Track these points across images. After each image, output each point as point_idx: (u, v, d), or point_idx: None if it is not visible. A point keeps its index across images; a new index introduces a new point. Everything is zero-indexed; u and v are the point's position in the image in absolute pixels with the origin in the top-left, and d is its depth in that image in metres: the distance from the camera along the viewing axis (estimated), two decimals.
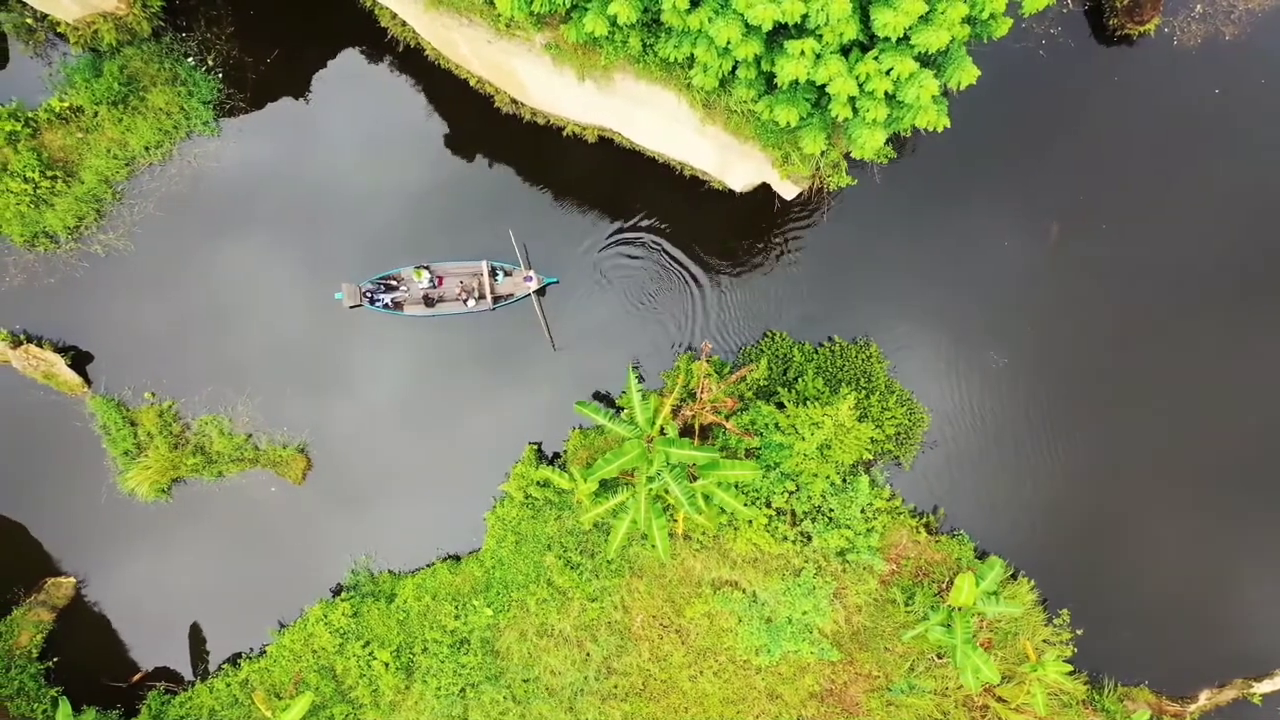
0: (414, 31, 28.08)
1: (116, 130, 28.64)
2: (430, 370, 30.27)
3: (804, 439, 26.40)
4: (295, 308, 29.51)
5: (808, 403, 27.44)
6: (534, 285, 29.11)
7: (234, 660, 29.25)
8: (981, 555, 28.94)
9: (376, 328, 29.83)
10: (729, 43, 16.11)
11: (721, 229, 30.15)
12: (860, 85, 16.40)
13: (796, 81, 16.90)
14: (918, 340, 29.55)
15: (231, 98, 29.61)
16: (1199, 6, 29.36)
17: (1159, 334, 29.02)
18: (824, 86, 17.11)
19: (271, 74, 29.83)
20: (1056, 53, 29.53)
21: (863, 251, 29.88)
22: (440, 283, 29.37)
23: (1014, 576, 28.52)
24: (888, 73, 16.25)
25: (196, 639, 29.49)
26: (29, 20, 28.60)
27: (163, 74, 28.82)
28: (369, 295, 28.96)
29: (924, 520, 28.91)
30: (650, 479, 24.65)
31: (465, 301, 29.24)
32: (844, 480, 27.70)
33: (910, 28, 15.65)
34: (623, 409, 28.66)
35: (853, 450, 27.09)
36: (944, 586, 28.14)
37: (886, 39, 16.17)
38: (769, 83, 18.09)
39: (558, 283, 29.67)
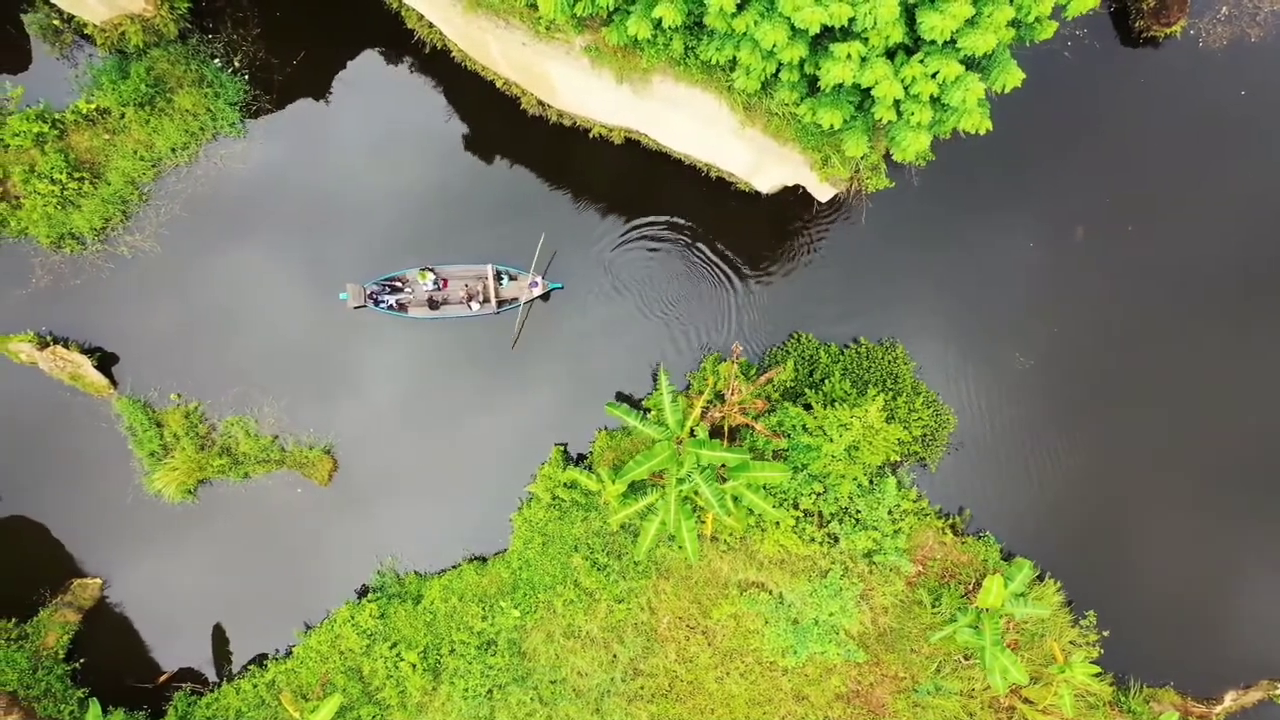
0: (441, 33, 28.08)
1: (143, 132, 28.66)
2: (454, 371, 30.25)
3: (832, 441, 26.42)
4: (320, 309, 29.48)
5: (835, 404, 27.46)
6: (539, 290, 29.14)
7: (260, 661, 29.27)
8: (1007, 557, 28.96)
9: (401, 330, 29.85)
10: (775, 46, 16.12)
11: (747, 230, 30.16)
12: (905, 88, 16.42)
13: (840, 84, 16.92)
14: (943, 341, 29.59)
15: (257, 99, 29.61)
16: (1224, 8, 29.38)
17: (1189, 335, 29.07)
18: (867, 89, 17.15)
19: (297, 75, 29.84)
20: (1082, 54, 29.54)
21: (887, 253, 29.88)
22: (445, 285, 29.37)
23: (1040, 578, 28.52)
24: (933, 76, 16.29)
25: (222, 640, 29.51)
26: (56, 22, 28.60)
27: (189, 75, 28.83)
28: (373, 296, 28.95)
29: (950, 522, 28.93)
30: (680, 480, 24.69)
31: (469, 304, 29.20)
32: (871, 482, 27.70)
33: (956, 31, 15.67)
34: (648, 410, 28.72)
35: (880, 452, 27.11)
36: (970, 588, 28.16)
37: (932, 42, 16.19)
38: (811, 85, 18.10)
39: (562, 288, 29.65)
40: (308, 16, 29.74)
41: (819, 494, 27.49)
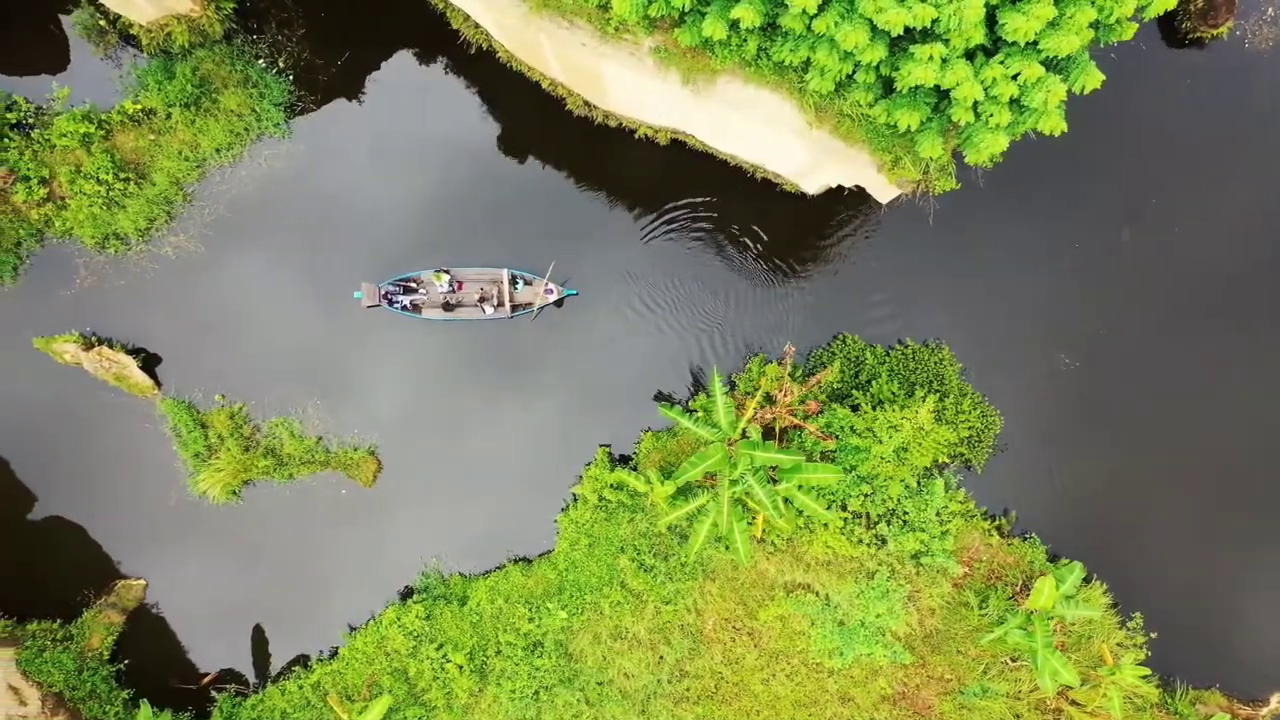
0: (487, 34, 28.01)
1: (189, 132, 28.61)
2: (494, 373, 30.14)
3: (881, 442, 26.39)
4: (361, 310, 29.34)
5: (882, 406, 27.43)
6: (554, 297, 29.11)
7: (304, 663, 29.25)
8: (1053, 558, 28.91)
9: (442, 332, 29.77)
10: (856, 47, 16.08)
11: (791, 231, 30.11)
12: (985, 90, 16.39)
13: (917, 85, 16.88)
14: (988, 342, 29.52)
15: (302, 100, 29.55)
16: (1271, 9, 29.32)
17: (1240, 335, 29.00)
18: (943, 90, 17.11)
19: (341, 76, 29.77)
20: (1127, 55, 29.41)
21: (931, 254, 29.79)
22: (459, 288, 29.32)
23: (1086, 579, 28.46)
24: (1014, 77, 16.25)
25: (265, 641, 29.51)
26: (101, 22, 28.55)
27: (234, 76, 28.77)
28: (388, 296, 28.88)
29: (996, 523, 28.87)
30: (734, 482, 24.65)
31: (482, 308, 29.12)
32: (919, 483, 27.66)
33: (1038, 33, 15.62)
34: (693, 411, 28.66)
35: (928, 453, 27.06)
36: (1017, 590, 28.12)
37: (1013, 43, 16.15)
38: (886, 86, 18.06)
39: (577, 294, 29.59)
40: (352, 17, 29.65)
41: (867, 495, 27.44)
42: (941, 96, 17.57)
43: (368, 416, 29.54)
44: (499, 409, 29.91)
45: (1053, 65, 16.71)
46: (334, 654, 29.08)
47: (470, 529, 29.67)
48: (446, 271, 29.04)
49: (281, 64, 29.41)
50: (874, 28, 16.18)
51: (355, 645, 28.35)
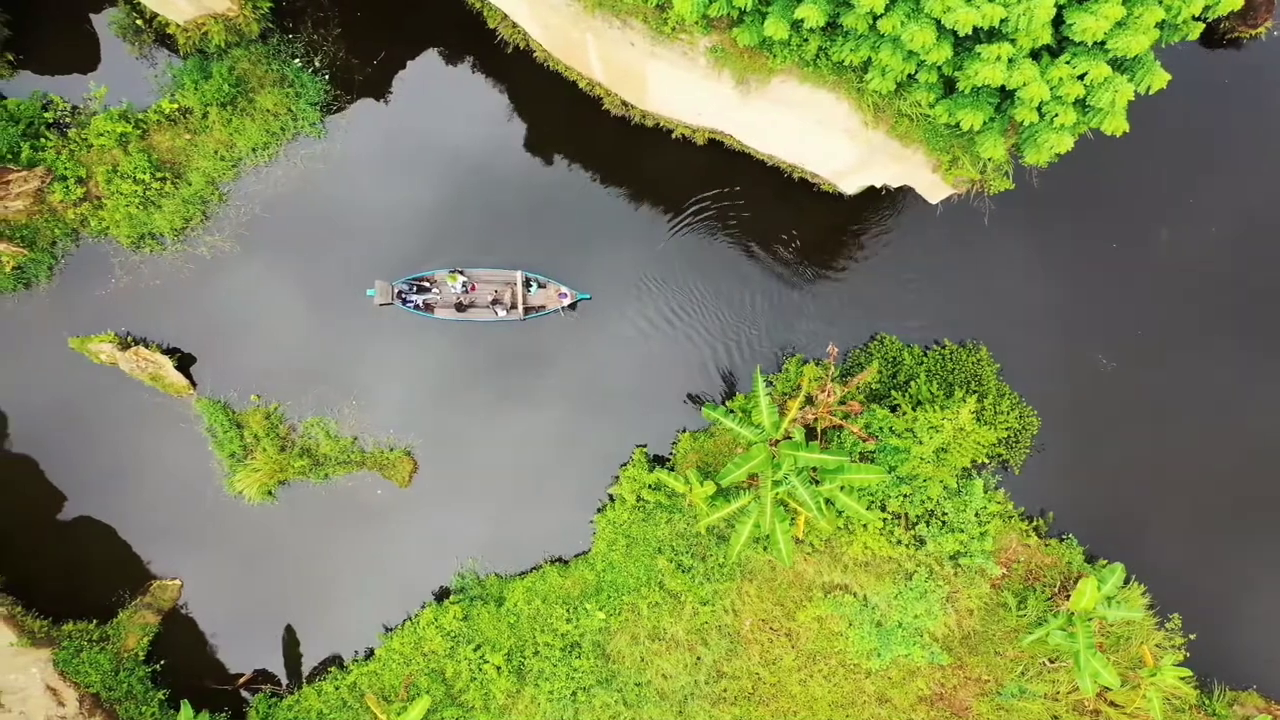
0: (524, 33, 27.96)
1: (225, 132, 28.56)
2: (527, 375, 30.06)
3: (921, 443, 26.33)
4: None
5: (921, 406, 27.36)
6: (568, 300, 29.08)
7: (339, 663, 29.19)
8: (1090, 559, 28.84)
9: (478, 333, 29.70)
10: (923, 47, 16.02)
11: (825, 231, 30.10)
12: (1051, 90, 16.33)
13: (980, 85, 16.83)
14: (1025, 342, 29.43)
15: (338, 99, 29.48)
16: None
17: (1277, 335, 28.90)
18: (1007, 90, 17.05)
19: (377, 75, 29.71)
20: (1163, 55, 29.25)
21: (968, 254, 29.73)
22: (473, 289, 29.26)
23: (1124, 581, 28.37)
24: (1081, 78, 16.20)
25: (300, 642, 29.46)
26: (138, 22, 28.48)
27: (270, 75, 28.73)
28: (401, 295, 28.82)
29: (1034, 524, 28.81)
30: (777, 483, 24.59)
31: (495, 309, 29.04)
32: (958, 484, 27.59)
33: (1106, 32, 15.56)
34: (732, 411, 28.56)
35: (967, 454, 27.00)
36: (1056, 591, 28.06)
37: (1080, 43, 16.10)
38: (947, 86, 17.99)
39: (590, 299, 29.55)
40: (388, 16, 29.60)
41: (906, 496, 27.38)
42: (1004, 96, 17.51)
43: (404, 417, 29.47)
44: (531, 410, 29.83)
45: (1117, 65, 16.65)
46: (369, 655, 29.04)
47: (504, 529, 29.60)
48: (461, 272, 28.98)
49: (317, 63, 29.35)
50: (940, 27, 16.12)
51: (392, 646, 28.29)
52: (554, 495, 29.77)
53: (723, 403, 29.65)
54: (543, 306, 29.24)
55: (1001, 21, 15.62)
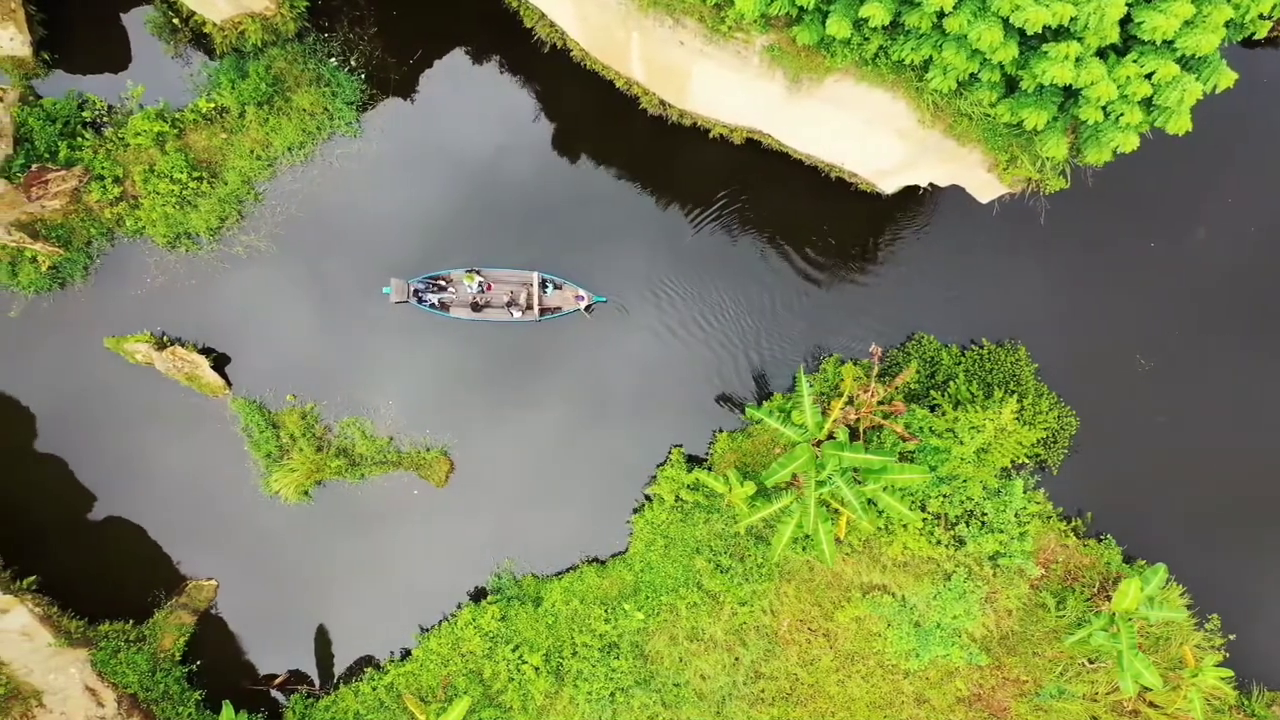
0: (562, 32, 27.87)
1: (261, 131, 28.48)
2: (557, 375, 29.98)
3: (962, 443, 26.27)
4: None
5: (960, 406, 27.31)
6: (584, 303, 29.03)
7: (375, 664, 29.13)
8: (1128, 559, 28.79)
9: (511, 334, 29.63)
10: (990, 46, 15.95)
11: (859, 231, 30.01)
12: (1119, 89, 16.26)
13: (1043, 84, 16.76)
14: (1061, 342, 29.37)
15: (374, 98, 29.40)
16: None
17: None
18: (1070, 89, 17.00)
19: (413, 74, 29.64)
20: None
21: (1003, 253, 29.68)
22: (489, 288, 29.20)
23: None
24: (1148, 77, 16.13)
25: (336, 642, 29.43)
26: (174, 21, 28.41)
27: (306, 74, 28.65)
28: (417, 293, 28.75)
29: (1072, 524, 28.75)
30: (821, 483, 24.51)
31: (510, 310, 28.96)
32: (997, 484, 27.52)
33: (1176, 31, 15.49)
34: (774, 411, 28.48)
35: (1008, 454, 26.96)
36: (1095, 591, 28.00)
37: (1148, 42, 16.02)
38: (1008, 85, 17.93)
39: (605, 301, 29.49)
40: (424, 15, 29.51)
41: (946, 496, 27.31)
42: (1067, 95, 17.44)
43: (438, 417, 29.41)
44: (563, 411, 29.76)
45: (1183, 64, 16.58)
46: (405, 655, 28.99)
47: (540, 529, 29.55)
48: (477, 272, 28.90)
49: (353, 63, 29.27)
50: (1006, 26, 16.05)
51: (429, 646, 28.22)
52: (588, 496, 29.73)
53: (758, 403, 29.59)
54: (558, 308, 29.20)
55: (1071, 20, 15.55)
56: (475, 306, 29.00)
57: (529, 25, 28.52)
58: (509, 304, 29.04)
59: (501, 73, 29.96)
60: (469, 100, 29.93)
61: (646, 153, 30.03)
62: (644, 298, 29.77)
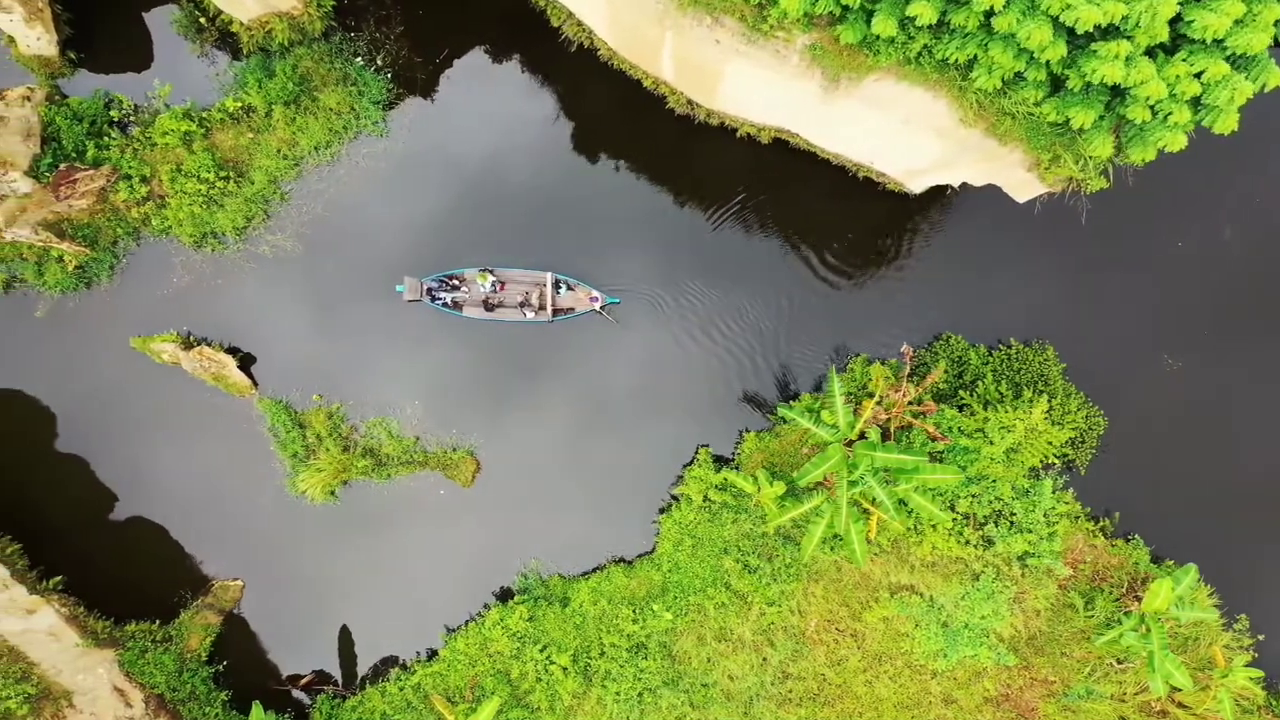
0: (589, 31, 27.83)
1: (288, 131, 28.43)
2: (585, 375, 29.95)
3: (992, 443, 26.23)
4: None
5: (989, 406, 27.27)
6: (598, 304, 29.01)
7: (400, 664, 29.09)
8: (1155, 559, 28.75)
9: (538, 334, 29.58)
10: (1038, 45, 15.92)
11: (883, 230, 29.96)
12: (1169, 88, 16.23)
13: (1090, 83, 16.72)
14: (1088, 341, 29.32)
15: (400, 98, 29.35)
16: None
17: None
18: (1116, 88, 16.96)
19: (439, 73, 29.60)
20: None
21: (1031, 252, 29.65)
22: (502, 288, 29.17)
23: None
24: (1198, 75, 16.10)
25: (362, 643, 29.38)
26: (201, 20, 28.37)
27: (333, 74, 28.61)
28: (430, 292, 28.72)
29: (1100, 524, 28.71)
30: (853, 483, 24.46)
31: (524, 310, 28.93)
32: (1026, 484, 27.48)
33: (1227, 30, 15.46)
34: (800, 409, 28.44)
35: (1037, 454, 26.92)
36: (1123, 592, 27.96)
37: (1198, 41, 15.99)
38: (1054, 84, 17.89)
39: (619, 303, 29.44)
40: (449, 14, 29.47)
41: (975, 496, 27.26)
42: (1114, 94, 17.40)
43: (465, 417, 29.36)
44: (589, 411, 29.72)
45: (1232, 63, 16.53)
46: (432, 655, 28.94)
47: (565, 529, 29.50)
48: (491, 271, 28.87)
49: (379, 61, 29.22)
50: (1055, 24, 16.02)
51: (456, 646, 28.17)
52: (612, 496, 29.68)
53: (783, 404, 29.54)
54: (572, 309, 29.17)
55: (1122, 19, 15.52)
56: (488, 306, 29.00)
57: (556, 24, 28.47)
58: (522, 304, 29.02)
59: (527, 72, 29.92)
60: (493, 99, 29.88)
61: (670, 152, 29.98)
62: (665, 299, 29.71)
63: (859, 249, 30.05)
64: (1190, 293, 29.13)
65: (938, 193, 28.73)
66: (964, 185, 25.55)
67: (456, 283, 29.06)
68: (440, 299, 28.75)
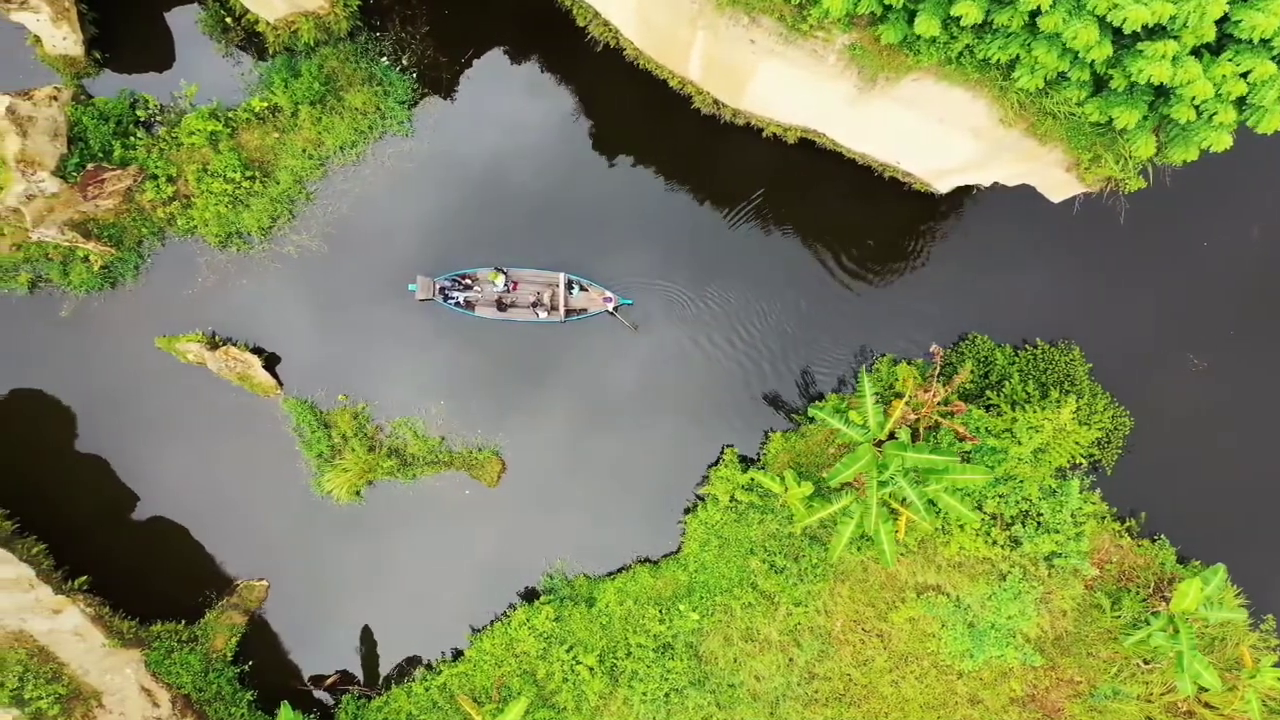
0: (615, 31, 27.81)
1: (314, 130, 28.42)
2: (608, 375, 29.93)
3: (1020, 443, 26.21)
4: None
5: (1016, 406, 27.26)
6: (611, 304, 29.01)
7: (425, 664, 29.07)
8: (1181, 560, 28.73)
9: (562, 334, 29.57)
10: (1085, 45, 15.90)
11: (911, 230, 29.96)
12: (1215, 88, 16.22)
13: (1134, 83, 16.70)
14: (1112, 341, 29.30)
15: (425, 97, 29.33)
16: None
17: None
18: (1159, 87, 16.94)
19: (463, 73, 29.58)
20: None
21: (1054, 252, 29.64)
22: (515, 288, 29.14)
23: None
24: (1244, 75, 16.08)
25: (387, 643, 29.38)
26: (227, 20, 28.35)
27: (359, 74, 28.59)
28: (443, 291, 28.70)
29: (1126, 525, 28.69)
30: (883, 484, 24.45)
31: (536, 310, 28.93)
32: (1053, 485, 27.45)
33: (1275, 30, 15.45)
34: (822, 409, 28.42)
35: (1065, 454, 26.90)
36: (1150, 592, 27.94)
37: (1245, 41, 15.97)
38: (1096, 84, 17.87)
39: (632, 304, 29.41)
40: (475, 14, 29.47)
41: (1002, 497, 27.24)
42: (1157, 94, 17.39)
43: (489, 417, 29.35)
44: (614, 411, 29.69)
45: (1278, 63, 16.50)
46: (457, 656, 28.92)
47: (590, 529, 29.50)
48: (504, 271, 28.82)
49: (405, 61, 29.19)
50: (1101, 24, 16.01)
51: (483, 647, 28.14)
52: (636, 497, 29.69)
53: (805, 404, 29.59)
54: (585, 309, 29.15)
55: (1169, 19, 15.50)
56: (501, 306, 28.99)
57: (581, 24, 28.44)
58: (534, 304, 29.02)
59: (551, 72, 29.91)
60: (516, 99, 29.88)
61: (693, 152, 29.98)
62: (685, 298, 29.70)
63: (882, 249, 30.04)
64: (1216, 292, 29.12)
65: (962, 193, 28.72)
66: (987, 185, 25.48)
67: (469, 282, 29.06)
68: (453, 298, 28.75)
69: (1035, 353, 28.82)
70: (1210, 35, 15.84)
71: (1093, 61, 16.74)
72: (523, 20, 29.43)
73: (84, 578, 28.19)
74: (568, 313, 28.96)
